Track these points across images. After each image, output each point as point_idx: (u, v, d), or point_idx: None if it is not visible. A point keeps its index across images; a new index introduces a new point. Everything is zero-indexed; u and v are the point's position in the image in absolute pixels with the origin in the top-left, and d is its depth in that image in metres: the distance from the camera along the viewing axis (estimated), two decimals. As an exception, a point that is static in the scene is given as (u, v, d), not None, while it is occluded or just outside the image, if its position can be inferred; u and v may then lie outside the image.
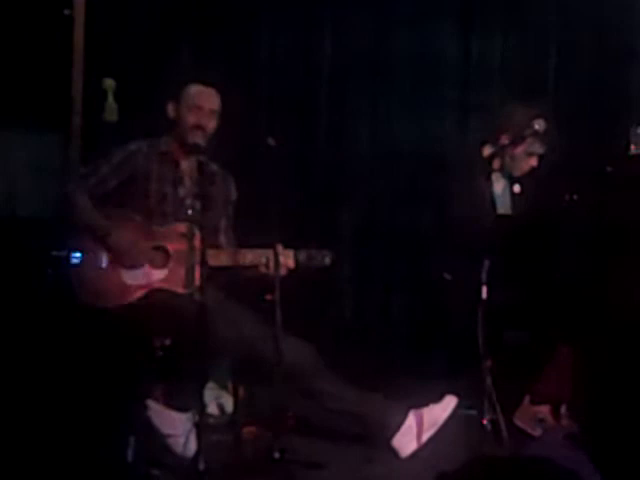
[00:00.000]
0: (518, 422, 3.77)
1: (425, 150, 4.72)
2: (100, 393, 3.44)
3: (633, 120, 4.04)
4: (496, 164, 3.99)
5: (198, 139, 3.55)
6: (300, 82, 5.01)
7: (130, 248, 3.51)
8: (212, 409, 4.04)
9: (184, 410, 3.46)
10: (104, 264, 3.52)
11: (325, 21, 5.00)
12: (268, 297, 3.31)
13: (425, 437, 3.59)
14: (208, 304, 3.15)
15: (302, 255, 3.54)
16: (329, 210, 4.97)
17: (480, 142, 4.08)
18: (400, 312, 4.87)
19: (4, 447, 3.24)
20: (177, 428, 3.45)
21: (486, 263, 3.32)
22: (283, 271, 3.44)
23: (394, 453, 3.59)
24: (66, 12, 4.68)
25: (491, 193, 4.05)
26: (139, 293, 3.50)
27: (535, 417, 3.80)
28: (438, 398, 3.67)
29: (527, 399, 3.83)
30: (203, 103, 3.67)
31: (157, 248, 3.56)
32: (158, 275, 3.54)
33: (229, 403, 3.99)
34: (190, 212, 3.65)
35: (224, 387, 4.06)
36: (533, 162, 4.05)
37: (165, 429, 3.48)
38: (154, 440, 3.45)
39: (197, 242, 3.40)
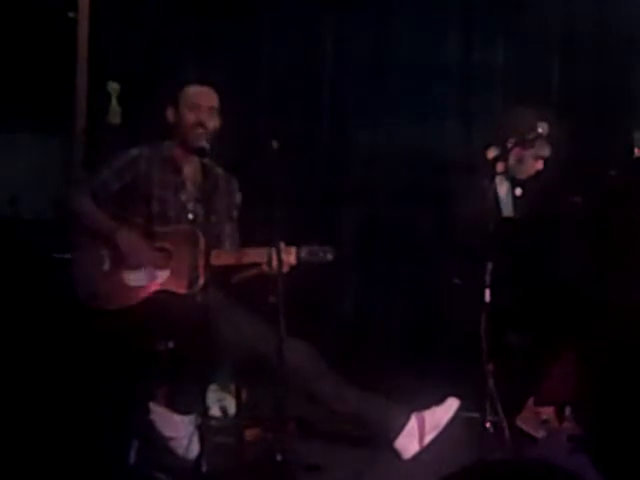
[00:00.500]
0: (521, 424, 3.76)
1: (428, 152, 4.72)
2: (102, 395, 3.44)
3: (637, 123, 4.04)
4: (500, 167, 3.98)
5: (201, 141, 3.51)
6: (302, 83, 5.00)
7: (134, 248, 3.51)
8: (214, 411, 4.05)
9: (186, 413, 3.47)
10: (106, 266, 3.52)
11: (327, 23, 5.00)
12: (271, 299, 3.31)
13: (427, 439, 3.58)
14: (210, 305, 3.15)
15: (304, 251, 3.51)
16: (332, 212, 4.97)
17: (485, 145, 4.08)
18: (403, 314, 4.86)
19: (6, 449, 3.24)
20: (180, 430, 3.45)
21: (489, 266, 3.32)
22: (285, 268, 3.42)
23: (396, 455, 3.59)
24: (70, 15, 4.70)
25: (495, 196, 4.05)
26: (141, 294, 3.50)
27: (539, 419, 3.78)
28: (440, 400, 3.67)
29: (531, 401, 3.82)
30: (201, 101, 3.67)
31: (159, 249, 3.56)
32: (160, 276, 3.54)
33: (232, 405, 3.99)
34: (191, 216, 3.65)
35: (226, 389, 4.06)
36: (539, 165, 4.05)
37: (168, 432, 3.49)
38: (157, 443, 3.45)
39: (200, 242, 3.40)
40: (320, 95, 5.03)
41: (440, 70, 4.89)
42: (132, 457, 3.25)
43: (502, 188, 4.10)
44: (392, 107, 4.93)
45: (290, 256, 3.46)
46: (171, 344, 3.39)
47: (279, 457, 3.24)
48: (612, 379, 3.45)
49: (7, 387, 3.54)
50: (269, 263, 3.41)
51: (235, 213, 3.85)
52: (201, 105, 3.66)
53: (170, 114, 3.71)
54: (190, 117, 3.65)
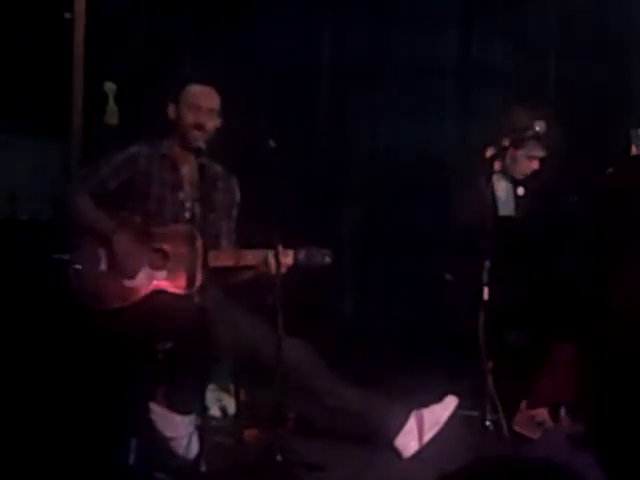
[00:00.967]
0: (517, 428, 3.74)
1: (426, 151, 4.72)
2: (102, 396, 3.43)
3: (634, 121, 4.04)
4: (497, 166, 3.98)
5: (199, 141, 3.51)
6: (301, 82, 5.00)
7: (130, 255, 3.50)
8: (214, 411, 4.04)
9: (186, 412, 3.46)
10: (103, 266, 3.52)
11: (326, 22, 5.00)
12: (269, 300, 3.31)
13: (426, 438, 3.59)
14: (209, 305, 3.15)
15: (301, 254, 3.50)
16: (331, 212, 4.98)
17: (483, 144, 4.08)
18: (401, 312, 4.87)
19: (6, 449, 3.23)
20: (179, 430, 3.45)
21: (487, 264, 3.32)
22: (282, 269, 3.42)
23: (396, 454, 3.59)
24: (67, 15, 4.68)
25: (493, 194, 4.05)
26: (139, 295, 3.50)
27: (534, 421, 3.77)
28: (439, 398, 3.67)
29: (524, 404, 3.80)
30: (202, 102, 3.65)
31: (156, 249, 3.56)
32: (158, 276, 3.54)
33: (231, 405, 3.99)
34: (188, 215, 3.65)
35: (226, 389, 4.06)
36: (534, 165, 4.05)
37: (167, 432, 3.48)
38: (156, 443, 3.44)
39: (197, 243, 3.40)
40: (319, 95, 5.03)
41: (440, 70, 4.89)
42: (132, 457, 3.25)
43: (500, 187, 4.10)
44: (391, 107, 4.94)
45: (287, 258, 3.46)
46: (169, 344, 3.39)
47: (279, 457, 3.25)
48: (611, 376, 3.45)
49: (6, 387, 3.54)
50: (267, 265, 3.41)
51: (235, 211, 3.84)
52: (201, 106, 3.64)
53: (171, 111, 3.69)
54: (190, 118, 3.64)
